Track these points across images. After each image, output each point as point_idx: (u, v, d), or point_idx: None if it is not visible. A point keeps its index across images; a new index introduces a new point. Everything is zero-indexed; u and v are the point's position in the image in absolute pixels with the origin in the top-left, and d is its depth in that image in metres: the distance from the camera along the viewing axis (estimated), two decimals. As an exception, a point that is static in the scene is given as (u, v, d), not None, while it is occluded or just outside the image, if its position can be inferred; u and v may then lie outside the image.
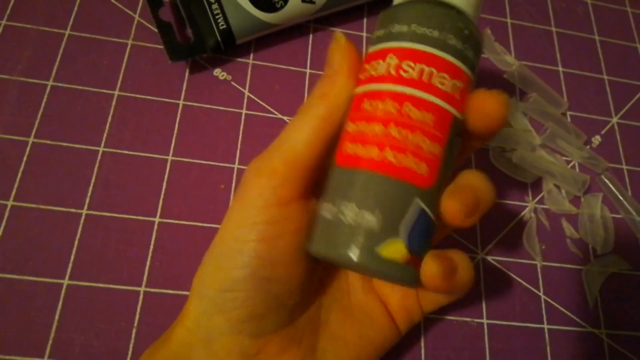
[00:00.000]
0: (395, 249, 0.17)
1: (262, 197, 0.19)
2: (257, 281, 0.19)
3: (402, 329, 0.24)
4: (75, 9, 0.31)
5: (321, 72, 0.33)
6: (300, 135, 0.20)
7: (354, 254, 0.17)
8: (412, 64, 0.18)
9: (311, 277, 0.21)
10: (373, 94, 0.18)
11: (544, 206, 0.31)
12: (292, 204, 0.19)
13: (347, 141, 0.19)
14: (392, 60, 0.18)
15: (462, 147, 0.20)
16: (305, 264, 0.20)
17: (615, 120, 0.35)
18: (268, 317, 0.20)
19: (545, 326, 0.28)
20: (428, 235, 0.18)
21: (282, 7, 0.30)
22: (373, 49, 0.20)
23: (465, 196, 0.18)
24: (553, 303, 0.29)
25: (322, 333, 0.22)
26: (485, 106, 0.19)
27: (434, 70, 0.18)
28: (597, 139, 0.34)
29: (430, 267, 0.18)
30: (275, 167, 0.19)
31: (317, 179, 0.20)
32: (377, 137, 0.18)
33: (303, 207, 0.20)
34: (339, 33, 0.21)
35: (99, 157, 0.28)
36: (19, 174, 0.26)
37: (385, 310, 0.23)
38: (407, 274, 0.18)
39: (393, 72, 0.18)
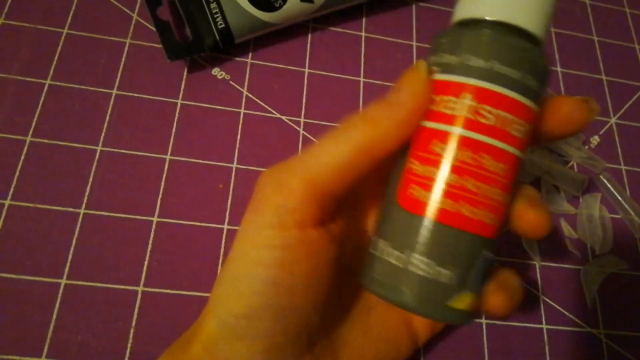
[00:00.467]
0: (463, 300, 0.17)
1: (278, 216, 0.18)
2: (276, 310, 0.18)
3: (423, 339, 0.24)
4: (73, 7, 0.31)
5: (320, 72, 0.33)
6: (328, 158, 0.18)
7: (422, 306, 0.17)
8: (492, 109, 0.17)
9: (329, 302, 0.20)
10: (446, 137, 0.17)
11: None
12: (309, 228, 0.18)
13: (415, 184, 0.17)
14: (470, 101, 0.17)
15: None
16: (322, 290, 0.19)
17: (613, 120, 0.35)
18: (288, 347, 0.19)
19: (544, 326, 0.28)
20: (488, 276, 0.19)
21: (280, 6, 0.30)
22: (444, 77, 0.17)
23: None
24: (552, 303, 0.29)
25: (341, 355, 0.21)
26: (574, 114, 0.19)
27: (512, 117, 0.17)
28: (595, 139, 0.34)
29: (496, 301, 0.18)
30: (294, 188, 0.18)
31: (342, 201, 0.19)
32: (451, 188, 0.17)
33: (322, 231, 0.19)
34: (421, 61, 0.18)
35: (96, 157, 0.27)
36: (17, 173, 0.26)
37: (407, 325, 0.23)
38: (467, 318, 0.18)
39: (470, 115, 0.17)
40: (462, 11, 0.18)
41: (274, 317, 0.18)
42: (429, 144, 0.17)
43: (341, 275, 0.21)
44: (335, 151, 0.18)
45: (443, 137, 0.17)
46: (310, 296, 0.19)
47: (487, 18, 0.17)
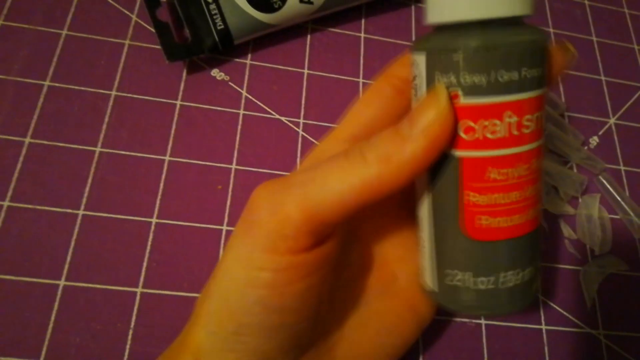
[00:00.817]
0: (537, 280, 0.19)
1: (270, 240, 0.17)
2: (267, 329, 0.18)
3: (429, 319, 0.23)
4: (73, 9, 0.31)
5: (319, 73, 0.33)
6: (331, 189, 0.16)
7: (522, 304, 0.19)
8: (531, 117, 0.17)
9: (322, 306, 0.20)
10: (501, 162, 0.17)
11: (542, 207, 0.31)
12: (303, 252, 0.17)
13: (482, 214, 0.17)
14: (512, 118, 0.16)
15: None
16: (315, 304, 0.19)
17: (612, 121, 0.35)
18: (280, 358, 0.19)
19: (544, 327, 0.28)
20: None
21: (280, 7, 0.30)
22: (476, 101, 0.16)
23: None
24: (551, 304, 0.29)
25: (338, 350, 0.21)
26: (563, 61, 0.18)
27: (542, 112, 0.17)
28: (594, 140, 0.34)
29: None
30: (290, 215, 0.17)
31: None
32: (517, 205, 0.17)
33: (316, 252, 0.18)
34: (442, 87, 0.16)
35: (95, 158, 0.27)
36: (15, 174, 0.26)
37: (412, 310, 0.22)
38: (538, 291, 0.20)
39: (516, 132, 0.16)
40: (458, 10, 0.16)
41: (265, 335, 0.18)
42: (484, 173, 0.17)
43: (333, 276, 0.20)
44: (341, 184, 0.16)
45: (498, 164, 0.17)
46: (303, 313, 0.18)
47: (501, 15, 0.16)
